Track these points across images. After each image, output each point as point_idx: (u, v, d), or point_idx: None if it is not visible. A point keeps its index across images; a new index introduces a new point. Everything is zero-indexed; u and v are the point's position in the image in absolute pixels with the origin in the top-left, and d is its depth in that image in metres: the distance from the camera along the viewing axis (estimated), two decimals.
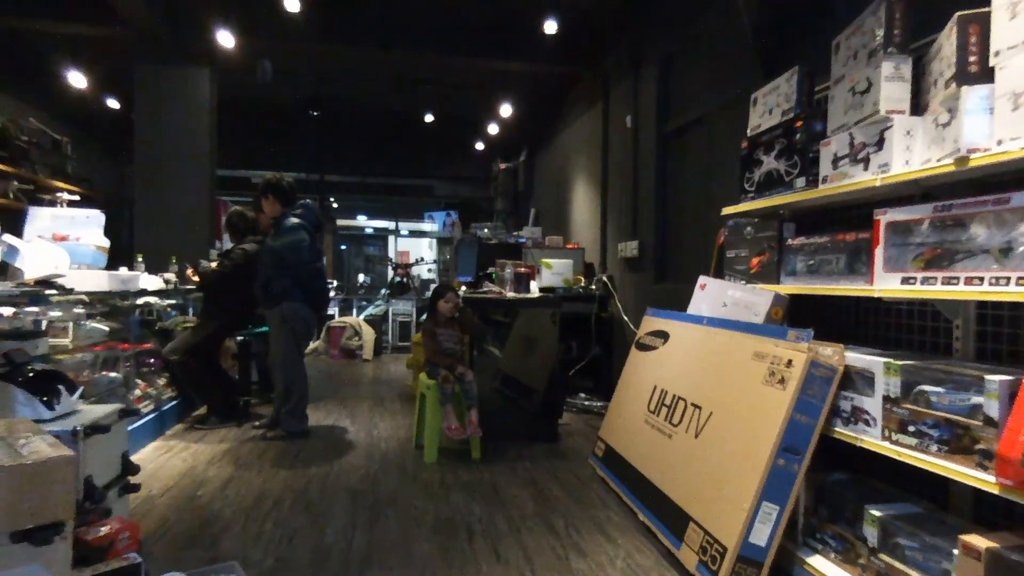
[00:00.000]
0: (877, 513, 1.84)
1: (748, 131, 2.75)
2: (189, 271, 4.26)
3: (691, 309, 2.88)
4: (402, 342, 8.64)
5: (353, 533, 2.51)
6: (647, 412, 2.85)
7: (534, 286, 4.62)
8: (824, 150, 2.21)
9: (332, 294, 8.74)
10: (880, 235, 1.91)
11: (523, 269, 4.56)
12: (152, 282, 3.96)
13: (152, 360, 4.28)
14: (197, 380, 4.13)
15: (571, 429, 4.31)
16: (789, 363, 2.03)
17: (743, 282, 2.60)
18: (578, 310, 5.15)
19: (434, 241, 14.89)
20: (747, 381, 2.20)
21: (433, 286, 4.70)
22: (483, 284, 4.64)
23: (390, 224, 17.02)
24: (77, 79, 5.78)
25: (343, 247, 19.22)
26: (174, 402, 4.15)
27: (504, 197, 8.43)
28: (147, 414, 3.75)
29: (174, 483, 3.06)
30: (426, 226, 16.21)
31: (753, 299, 2.42)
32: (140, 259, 4.60)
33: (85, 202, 5.22)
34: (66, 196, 4.92)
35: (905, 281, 1.82)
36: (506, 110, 6.78)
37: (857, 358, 1.95)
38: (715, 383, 2.41)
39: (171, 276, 4.61)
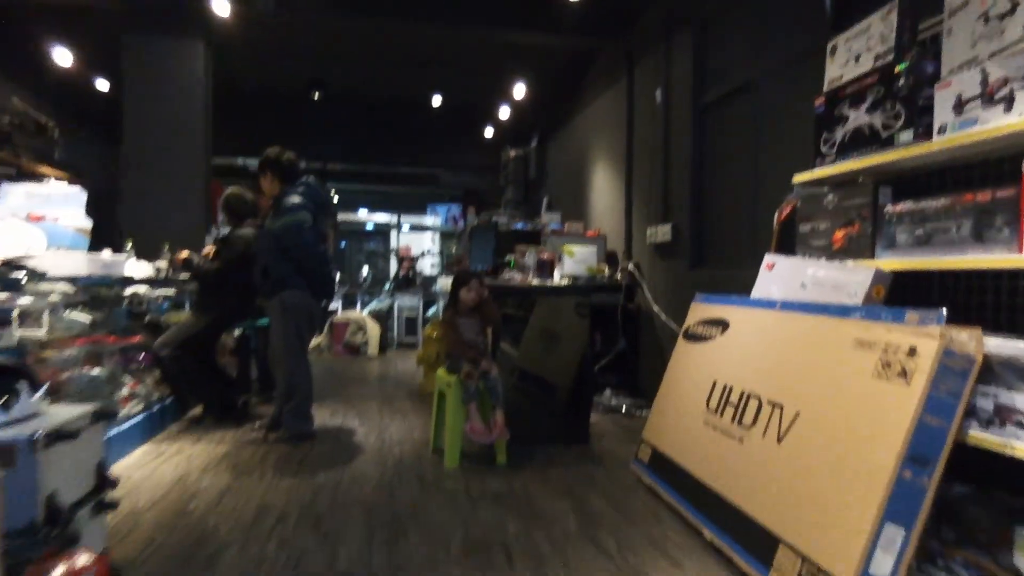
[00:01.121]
0: None
1: (825, 85, 2.37)
2: (179, 256, 3.86)
3: (756, 293, 2.50)
4: (408, 337, 8.27)
5: (371, 555, 2.13)
6: (706, 411, 2.47)
7: (556, 274, 4.25)
8: (941, 94, 1.82)
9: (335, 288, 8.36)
10: None
11: (546, 256, 4.18)
12: (140, 269, 3.57)
13: (142, 356, 3.89)
14: (191, 377, 3.75)
15: (600, 430, 3.93)
16: (912, 351, 1.65)
17: (825, 260, 2.22)
18: (603, 301, 4.76)
19: (437, 235, 14.51)
20: (849, 375, 1.82)
21: (454, 273, 4.32)
22: (502, 272, 4.26)
23: (392, 218, 16.66)
24: (63, 56, 5.38)
25: (344, 243, 18.87)
26: (166, 402, 3.77)
27: (514, 185, 8.04)
28: (134, 415, 3.37)
29: (163, 494, 2.68)
30: (428, 220, 15.83)
31: (845, 278, 2.04)
32: (130, 245, 4.22)
33: None
34: (52, 182, 4.54)
35: None
36: (519, 91, 6.39)
37: (1004, 344, 1.57)
38: (801, 377, 2.03)
39: (163, 264, 4.24)
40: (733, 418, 2.29)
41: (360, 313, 7.85)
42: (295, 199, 3.46)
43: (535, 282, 3.91)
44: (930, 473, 1.59)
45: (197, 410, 3.96)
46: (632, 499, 2.69)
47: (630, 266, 4.89)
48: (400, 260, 8.45)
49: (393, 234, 16.74)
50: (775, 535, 1.85)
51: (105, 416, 2.07)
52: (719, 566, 2.06)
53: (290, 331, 3.46)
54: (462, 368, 3.12)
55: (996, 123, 1.64)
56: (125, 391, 3.49)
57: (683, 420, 2.65)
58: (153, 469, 3.02)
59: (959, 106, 1.76)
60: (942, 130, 1.82)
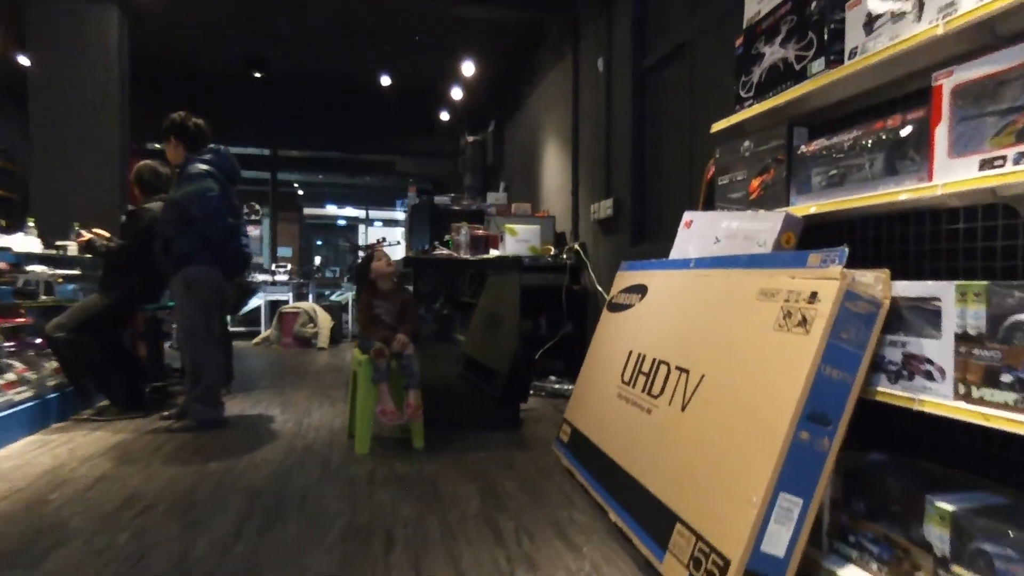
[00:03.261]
0: (948, 507, 1.27)
1: (744, 23, 2.17)
2: (80, 238, 3.56)
3: (675, 253, 2.30)
4: None
5: (233, 544, 1.88)
6: (620, 384, 2.26)
7: (495, 254, 4.02)
8: (852, 14, 1.63)
9: (285, 278, 8.06)
10: (943, 107, 1.33)
11: (480, 232, 3.96)
12: (26, 244, 3.27)
13: (39, 340, 3.59)
14: (91, 362, 3.45)
15: (537, 415, 3.72)
16: (813, 297, 1.44)
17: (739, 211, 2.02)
18: (547, 282, 4.56)
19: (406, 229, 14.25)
20: (751, 329, 1.62)
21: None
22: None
23: (360, 213, 16.34)
24: None
25: (319, 242, 18.47)
26: (64, 390, 3.47)
27: (473, 172, 7.80)
28: (19, 403, 3.08)
29: (27, 485, 2.40)
30: (399, 214, 15.55)
31: (755, 227, 1.84)
32: (31, 223, 3.91)
33: None
34: None
35: (985, 165, 1.25)
36: (470, 69, 6.15)
37: (911, 286, 1.37)
38: (706, 338, 1.82)
39: (71, 244, 3.94)
40: (644, 388, 2.08)
41: (311, 303, 7.55)
42: (201, 167, 3.19)
43: (467, 258, 3.68)
44: (831, 434, 1.39)
45: (106, 402, 3.67)
46: (546, 482, 2.47)
47: (576, 246, 4.69)
48: (355, 249, 8.17)
49: (362, 228, 16.46)
50: (673, 512, 1.64)
51: None
52: (619, 549, 1.85)
53: (194, 311, 3.19)
54: (373, 346, 2.88)
55: (908, 33, 1.45)
56: (11, 376, 3.20)
57: (599, 396, 2.44)
58: (29, 459, 2.74)
59: (869, 24, 1.57)
60: (853, 54, 1.62)
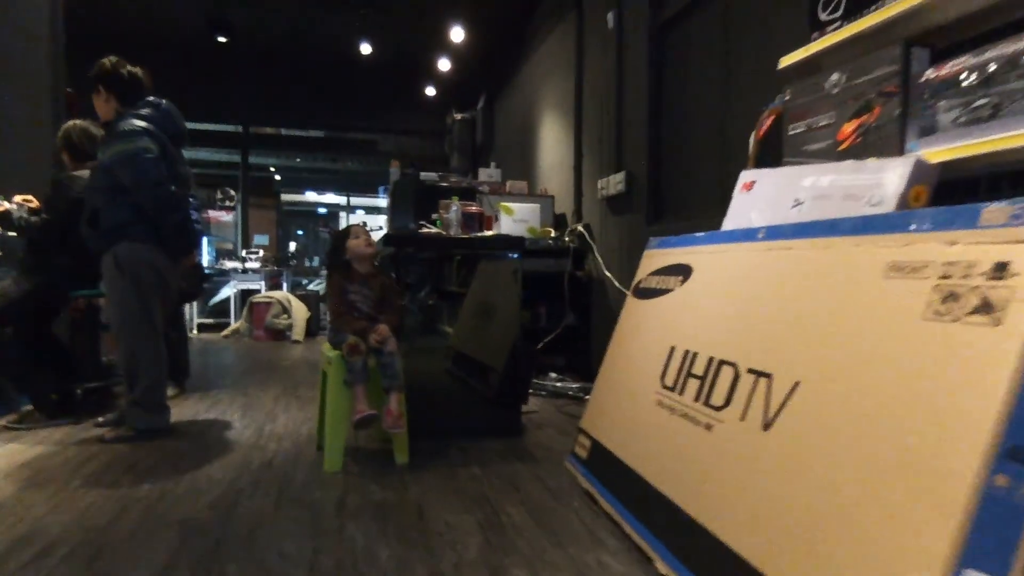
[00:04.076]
0: None
1: None
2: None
3: (729, 224, 1.81)
4: None
5: None
6: (661, 389, 1.78)
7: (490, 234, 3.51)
8: None
9: (256, 265, 7.47)
10: None
11: (473, 208, 3.44)
12: None
13: None
14: (9, 358, 2.90)
15: (540, 419, 3.23)
16: (1000, 269, 0.96)
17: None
18: (548, 268, 4.07)
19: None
20: (882, 319, 1.13)
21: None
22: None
23: (341, 199, 15.67)
24: None
25: (300, 232, 17.73)
26: None
27: (460, 152, 7.26)
28: None
29: None
30: (381, 201, 14.93)
31: (862, 180, 1.35)
32: None
33: None
34: None
35: None
36: (457, 35, 5.60)
37: None
38: (799, 332, 1.34)
39: None
40: (698, 396, 1.59)
41: (284, 293, 6.98)
42: (136, 123, 2.63)
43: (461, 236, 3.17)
44: None
45: (30, 407, 3.10)
46: (562, 510, 1.98)
47: (579, 227, 4.19)
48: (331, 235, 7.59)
49: (343, 215, 15.81)
50: (762, 575, 1.16)
51: None
52: None
53: (128, 296, 2.64)
54: (345, 341, 2.36)
55: None
56: None
57: (629, 403, 1.95)
58: None
59: None
60: None
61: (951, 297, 1.02)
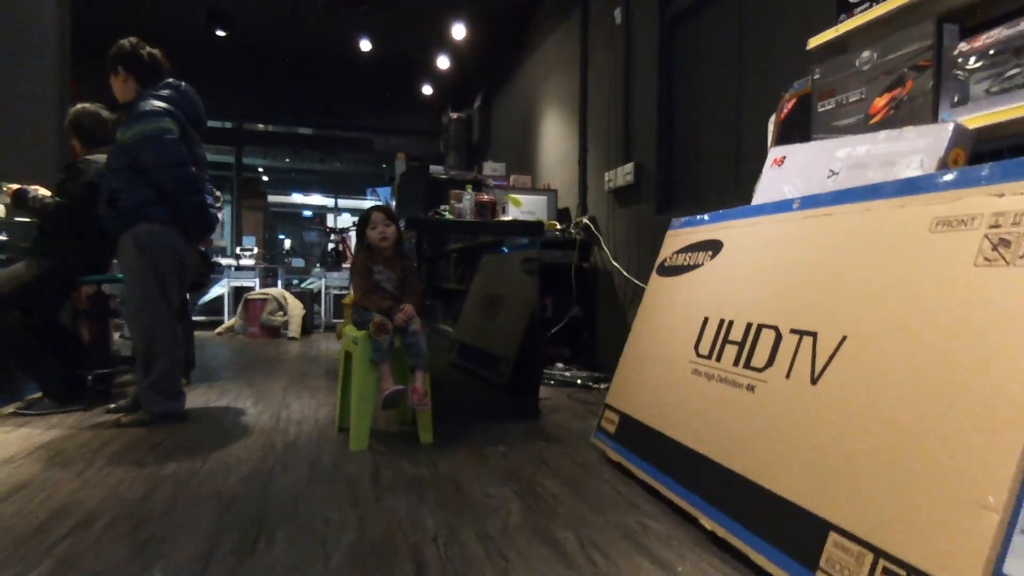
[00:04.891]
0: None
1: None
2: (9, 186, 2.94)
3: (761, 198, 1.87)
4: (336, 319, 7.41)
5: (203, 571, 1.37)
6: (696, 359, 1.83)
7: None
8: None
9: (251, 262, 7.41)
10: None
11: (486, 198, 3.48)
12: None
13: None
14: (19, 343, 2.85)
15: (552, 405, 3.27)
16: None
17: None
18: (555, 260, 4.11)
19: None
20: (932, 269, 1.20)
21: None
22: None
23: (328, 201, 15.60)
24: None
25: (281, 236, 17.57)
26: None
27: (456, 151, 7.30)
28: None
29: None
30: (369, 203, 14.90)
31: (900, 147, 1.42)
32: None
33: None
34: None
35: None
36: (457, 32, 5.65)
37: None
38: (841, 291, 1.40)
39: None
40: (737, 361, 1.64)
41: (280, 289, 6.93)
42: (156, 104, 2.62)
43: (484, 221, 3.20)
44: None
45: (39, 394, 3.04)
46: (595, 481, 2.02)
47: (585, 219, 4.25)
48: (328, 233, 7.56)
49: (330, 217, 15.73)
50: (819, 518, 1.21)
51: None
52: (727, 567, 1.41)
53: (146, 278, 2.63)
54: (372, 320, 2.37)
55: None
56: None
57: (663, 374, 2.00)
58: None
59: None
60: None
61: (1002, 243, 1.08)
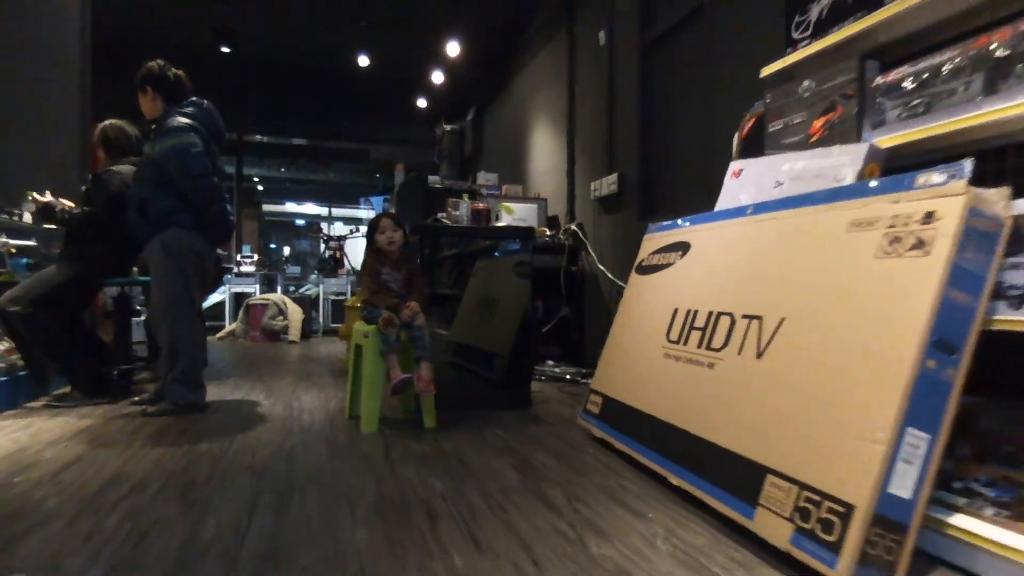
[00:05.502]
0: None
1: None
2: (38, 199, 3.17)
3: (722, 205, 2.17)
4: (335, 323, 7.64)
5: (249, 523, 1.63)
6: (667, 344, 2.11)
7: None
8: None
9: (251, 269, 7.64)
10: None
11: (481, 205, 3.76)
12: None
13: None
14: (49, 341, 3.08)
15: (543, 397, 3.54)
16: (928, 217, 1.32)
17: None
18: (545, 264, 4.40)
19: None
20: (845, 262, 1.49)
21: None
22: None
23: (322, 210, 15.82)
24: None
25: (273, 245, 17.74)
26: (15, 374, 3.08)
27: (450, 162, 7.58)
28: None
29: None
30: (362, 212, 15.13)
31: (829, 163, 1.72)
32: None
33: None
34: None
35: None
36: (452, 49, 5.95)
37: None
38: (782, 281, 1.69)
39: (27, 214, 3.54)
40: (700, 343, 1.93)
41: (280, 295, 7.16)
42: (182, 120, 2.89)
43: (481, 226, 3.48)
44: (956, 363, 1.27)
45: (67, 388, 3.27)
46: (581, 454, 2.30)
47: (572, 226, 4.54)
48: (327, 241, 7.81)
49: (324, 226, 15.94)
50: (761, 465, 1.49)
51: None
52: (689, 513, 1.69)
53: (173, 279, 2.88)
54: (381, 315, 2.64)
55: None
56: None
57: (639, 360, 2.28)
58: None
59: None
60: None
61: (896, 240, 1.38)
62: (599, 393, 2.50)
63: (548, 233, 4.56)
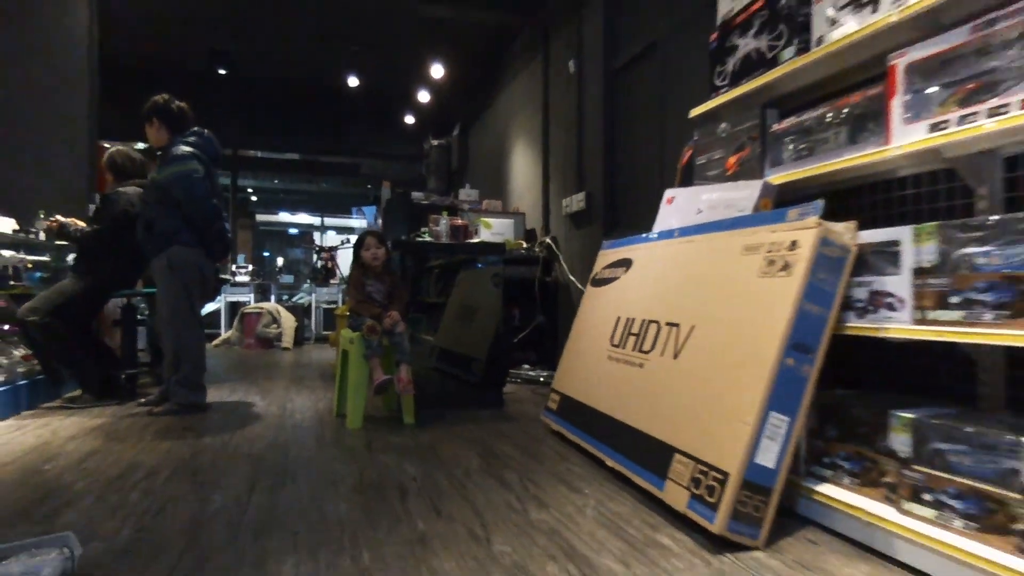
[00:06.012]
0: (909, 415, 1.49)
1: (718, 20, 2.42)
2: (52, 221, 3.48)
3: (657, 228, 2.51)
4: (326, 331, 7.93)
5: (248, 499, 1.94)
6: (610, 347, 2.45)
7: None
8: (818, 7, 1.89)
9: (246, 279, 7.94)
10: (898, 82, 1.59)
11: (459, 222, 4.09)
12: (3, 224, 3.20)
13: (7, 326, 3.48)
14: (64, 348, 3.38)
15: (517, 397, 3.86)
16: (793, 245, 1.67)
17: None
18: (521, 274, 4.73)
19: None
20: (738, 280, 1.83)
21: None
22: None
23: (315, 220, 16.12)
24: None
25: (267, 253, 18.04)
26: (33, 378, 3.38)
27: (437, 176, 7.92)
28: None
29: (14, 460, 2.37)
30: (354, 222, 15.43)
31: (736, 195, 2.06)
32: None
33: None
34: None
35: (935, 128, 1.50)
36: (436, 71, 6.30)
37: (875, 233, 1.61)
38: (694, 295, 2.03)
39: (41, 232, 3.83)
40: (635, 347, 2.26)
41: (274, 304, 7.45)
42: (185, 148, 3.21)
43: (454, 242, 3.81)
44: (811, 361, 1.61)
45: (77, 391, 3.57)
46: (540, 445, 2.62)
47: (547, 239, 4.88)
48: (319, 251, 8.11)
49: (317, 236, 16.22)
50: (671, 446, 1.82)
51: None
52: (618, 489, 2.02)
53: (178, 291, 3.19)
54: (364, 323, 2.96)
55: (867, 21, 1.70)
56: None
57: (588, 362, 2.61)
58: (9, 439, 2.68)
59: (834, 16, 1.83)
60: (819, 41, 1.88)
61: (771, 262, 1.72)
62: (558, 392, 2.82)
63: (525, 246, 4.90)
